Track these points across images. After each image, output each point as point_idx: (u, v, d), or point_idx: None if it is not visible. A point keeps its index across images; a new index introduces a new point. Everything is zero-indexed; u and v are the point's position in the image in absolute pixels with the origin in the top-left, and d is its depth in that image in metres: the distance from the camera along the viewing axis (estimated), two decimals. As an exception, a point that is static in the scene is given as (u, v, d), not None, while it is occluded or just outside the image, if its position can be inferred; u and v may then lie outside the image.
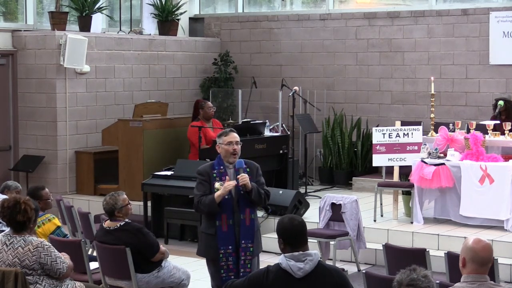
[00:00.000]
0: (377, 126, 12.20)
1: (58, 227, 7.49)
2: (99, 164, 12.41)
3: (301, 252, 4.70)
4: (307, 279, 4.64)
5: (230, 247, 6.53)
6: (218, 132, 11.58)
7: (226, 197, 6.53)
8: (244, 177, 6.47)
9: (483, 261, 4.48)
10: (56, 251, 6.03)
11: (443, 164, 9.80)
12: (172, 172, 10.73)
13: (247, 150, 9.31)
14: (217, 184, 6.53)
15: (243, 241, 6.55)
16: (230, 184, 6.49)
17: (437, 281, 5.59)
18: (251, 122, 11.83)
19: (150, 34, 13.88)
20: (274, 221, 10.10)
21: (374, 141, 10.67)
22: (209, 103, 11.94)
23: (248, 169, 6.61)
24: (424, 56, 13.14)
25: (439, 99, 12.66)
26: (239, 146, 6.66)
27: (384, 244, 7.25)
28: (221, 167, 6.61)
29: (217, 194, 6.51)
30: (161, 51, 13.72)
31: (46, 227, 7.33)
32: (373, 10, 13.67)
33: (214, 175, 6.60)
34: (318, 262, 4.69)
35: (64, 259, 6.04)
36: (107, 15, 13.74)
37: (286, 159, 11.71)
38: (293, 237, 4.77)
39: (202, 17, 15.21)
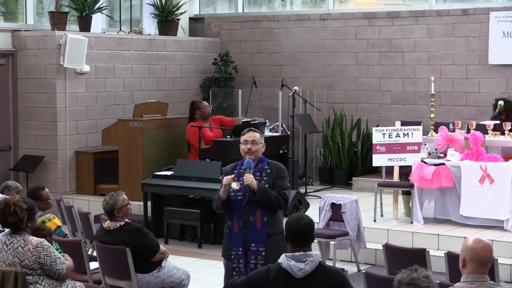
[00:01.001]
0: (377, 126, 12.20)
1: (58, 227, 7.49)
2: (99, 164, 12.41)
3: (302, 252, 4.70)
4: (307, 279, 4.64)
5: (240, 249, 6.43)
6: (216, 132, 11.74)
7: (239, 197, 6.44)
8: (246, 177, 6.38)
9: (483, 261, 4.48)
10: (56, 251, 6.02)
11: (443, 164, 9.80)
12: (172, 172, 10.73)
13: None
14: (233, 184, 6.43)
15: (253, 244, 6.41)
16: (226, 178, 6.43)
17: (437, 281, 5.59)
18: (252, 122, 11.81)
19: (150, 34, 13.88)
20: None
21: (374, 141, 10.67)
22: (205, 102, 11.93)
23: (269, 170, 6.51)
24: (424, 56, 13.14)
25: (439, 99, 12.66)
26: (257, 146, 6.54)
27: (384, 244, 7.25)
28: (242, 167, 6.52)
29: (221, 190, 6.48)
30: (161, 51, 13.72)
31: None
32: (373, 10, 13.67)
33: (234, 174, 6.50)
34: (319, 262, 4.69)
35: (64, 260, 6.03)
36: (107, 15, 13.74)
37: (286, 159, 11.70)
38: (297, 236, 4.77)
39: (202, 17, 15.21)
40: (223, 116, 12.28)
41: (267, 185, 6.44)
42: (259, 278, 4.73)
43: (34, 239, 5.94)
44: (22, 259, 5.86)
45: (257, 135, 6.60)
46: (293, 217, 4.88)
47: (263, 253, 6.38)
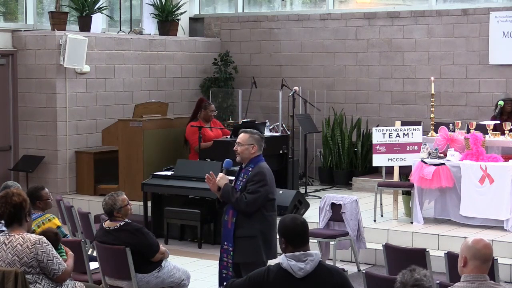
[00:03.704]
0: (377, 126, 12.21)
1: (58, 227, 7.47)
2: (99, 164, 12.41)
3: (302, 252, 4.70)
4: (308, 279, 4.64)
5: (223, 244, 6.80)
6: (216, 132, 11.74)
7: None
8: (218, 177, 6.74)
9: (485, 258, 4.51)
10: (54, 251, 6.00)
11: (443, 164, 9.80)
12: (172, 172, 10.73)
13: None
14: None
15: (225, 243, 6.71)
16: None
17: (437, 281, 5.60)
18: (255, 122, 11.79)
19: (150, 34, 13.88)
20: (274, 221, 10.09)
21: (374, 141, 10.67)
22: (213, 106, 11.90)
23: (250, 173, 6.70)
24: (424, 56, 13.14)
25: (439, 99, 12.66)
26: (241, 147, 6.72)
27: (384, 244, 7.25)
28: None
29: None
30: (161, 51, 13.72)
31: (46, 227, 7.30)
32: (373, 10, 13.67)
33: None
34: (319, 262, 4.69)
35: (61, 261, 6.00)
36: (107, 15, 13.74)
37: (286, 159, 11.71)
38: (295, 237, 4.76)
39: (202, 17, 15.21)
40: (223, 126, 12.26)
41: (240, 187, 6.65)
42: (259, 278, 4.73)
43: (33, 236, 5.92)
44: (21, 256, 5.84)
45: (244, 137, 6.76)
46: (287, 219, 4.85)
47: (231, 253, 6.65)
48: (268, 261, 6.70)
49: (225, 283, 6.64)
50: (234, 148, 6.76)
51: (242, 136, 6.76)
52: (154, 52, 13.59)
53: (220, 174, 6.73)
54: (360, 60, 13.66)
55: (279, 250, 6.49)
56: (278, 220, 7.43)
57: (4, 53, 12.36)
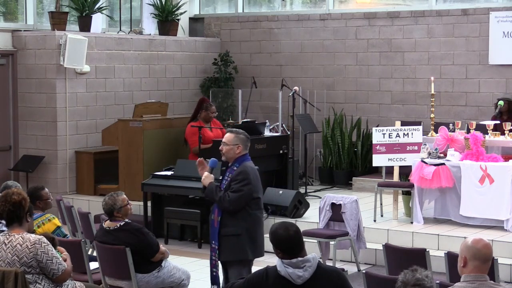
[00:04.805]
0: (377, 126, 12.21)
1: (58, 227, 7.48)
2: (99, 164, 12.41)
3: (299, 258, 4.66)
4: (307, 284, 4.61)
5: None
6: (216, 132, 11.74)
7: None
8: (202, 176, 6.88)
9: (486, 258, 4.51)
10: (54, 251, 5.99)
11: (443, 164, 9.80)
12: (172, 172, 10.73)
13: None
14: None
15: (213, 242, 6.78)
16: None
17: (437, 281, 5.59)
18: (255, 122, 11.78)
19: (150, 34, 13.88)
20: (274, 220, 10.08)
21: (374, 141, 10.67)
22: (214, 108, 11.89)
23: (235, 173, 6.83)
24: (424, 56, 13.13)
25: (439, 99, 12.66)
26: (226, 147, 6.82)
27: (384, 244, 7.25)
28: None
29: None
30: (161, 51, 13.72)
31: (46, 227, 7.31)
32: (373, 10, 13.67)
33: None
34: (317, 264, 4.66)
35: (61, 261, 6.00)
36: (107, 15, 13.74)
37: (286, 159, 11.70)
38: (291, 247, 4.72)
39: (202, 17, 15.21)
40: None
41: (225, 186, 6.74)
42: (258, 279, 4.72)
43: (32, 236, 5.92)
44: (20, 256, 5.84)
45: (230, 136, 6.85)
46: (279, 231, 4.77)
47: (217, 252, 6.74)
48: (255, 259, 6.82)
49: (215, 282, 6.73)
50: (220, 148, 6.85)
51: (227, 136, 6.84)
52: (154, 52, 13.59)
53: (205, 173, 6.82)
54: (360, 60, 13.66)
55: (266, 247, 6.56)
56: (265, 220, 7.56)
57: (4, 53, 12.36)
